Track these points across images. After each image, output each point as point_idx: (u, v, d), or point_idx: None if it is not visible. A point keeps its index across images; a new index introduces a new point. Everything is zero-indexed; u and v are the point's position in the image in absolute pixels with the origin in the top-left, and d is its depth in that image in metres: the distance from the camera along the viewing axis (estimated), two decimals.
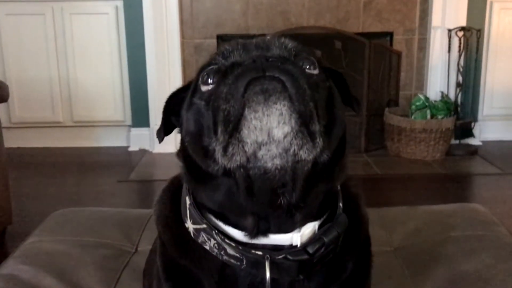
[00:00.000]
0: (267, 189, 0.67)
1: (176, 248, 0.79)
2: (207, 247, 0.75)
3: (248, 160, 0.64)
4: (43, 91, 4.06)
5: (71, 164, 3.86)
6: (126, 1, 3.89)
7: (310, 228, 0.74)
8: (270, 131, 0.62)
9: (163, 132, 0.80)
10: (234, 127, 0.63)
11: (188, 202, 0.78)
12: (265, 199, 0.68)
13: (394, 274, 1.20)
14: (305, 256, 0.72)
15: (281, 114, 0.62)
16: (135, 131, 4.11)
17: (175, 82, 3.90)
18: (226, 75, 0.66)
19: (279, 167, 0.64)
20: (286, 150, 0.63)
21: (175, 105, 0.80)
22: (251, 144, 0.63)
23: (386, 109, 3.93)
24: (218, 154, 0.65)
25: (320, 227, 0.75)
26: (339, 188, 0.80)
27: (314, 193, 0.71)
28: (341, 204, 0.79)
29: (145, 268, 1.08)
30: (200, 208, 0.76)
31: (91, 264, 1.22)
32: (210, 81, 0.70)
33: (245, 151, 0.63)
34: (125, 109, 4.12)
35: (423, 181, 3.46)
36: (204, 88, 0.71)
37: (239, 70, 0.65)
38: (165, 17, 3.84)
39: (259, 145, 0.63)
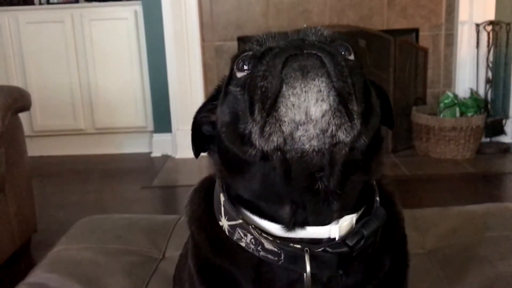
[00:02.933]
0: (304, 173, 0.67)
1: (211, 247, 0.80)
2: (243, 244, 0.75)
3: (285, 141, 0.63)
4: (64, 99, 4.12)
5: (94, 172, 3.91)
6: (145, 5, 3.93)
7: (348, 221, 0.73)
8: (308, 109, 0.62)
9: (195, 148, 0.82)
10: (271, 104, 0.63)
11: (222, 198, 0.78)
12: (303, 184, 0.68)
13: (428, 277, 1.19)
14: (345, 249, 0.72)
15: (320, 90, 0.62)
16: (157, 136, 4.15)
17: (196, 86, 3.92)
18: (263, 57, 0.67)
19: (316, 149, 0.64)
20: (324, 131, 0.63)
21: (203, 118, 0.81)
22: (288, 123, 0.63)
23: (414, 107, 3.89)
24: (255, 135, 0.65)
25: (357, 221, 0.75)
26: (374, 183, 0.80)
27: (352, 181, 0.70)
28: (378, 198, 0.78)
29: (175, 274, 1.09)
30: (235, 204, 0.76)
31: (119, 272, 1.23)
32: (245, 67, 0.70)
33: (283, 131, 0.63)
34: (147, 114, 4.16)
35: (454, 181, 3.42)
36: (239, 74, 0.71)
37: (277, 49, 0.66)
38: (184, 20, 3.86)
39: (297, 125, 0.63)
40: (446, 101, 3.77)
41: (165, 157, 4.08)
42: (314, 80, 0.62)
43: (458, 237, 1.33)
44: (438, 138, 3.70)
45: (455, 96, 3.79)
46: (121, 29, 4.02)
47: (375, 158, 0.74)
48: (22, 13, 4.04)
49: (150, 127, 4.18)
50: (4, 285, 2.15)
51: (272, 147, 0.64)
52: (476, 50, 3.88)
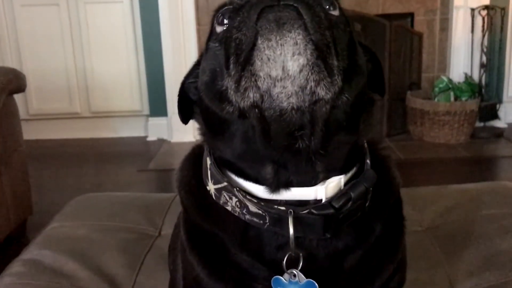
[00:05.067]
0: (284, 132, 0.64)
1: (199, 212, 0.78)
2: (229, 208, 0.73)
3: (262, 98, 0.60)
4: (60, 82, 4.08)
5: (90, 155, 3.88)
6: None
7: (335, 182, 0.71)
8: (285, 63, 0.59)
9: (181, 114, 0.80)
10: (246, 58, 0.60)
11: (208, 162, 0.76)
12: (283, 142, 0.65)
13: (426, 253, 1.17)
14: (331, 210, 0.69)
15: (296, 43, 0.59)
16: (153, 120, 4.11)
17: None
18: (240, 9, 0.63)
19: (295, 106, 0.61)
20: (303, 88, 0.59)
21: (191, 83, 0.79)
22: (264, 78, 0.59)
23: (408, 92, 3.87)
24: (231, 90, 0.62)
25: (346, 184, 0.72)
26: (366, 146, 0.77)
27: (336, 141, 0.68)
28: (368, 161, 0.76)
29: (170, 244, 1.07)
30: (221, 167, 0.75)
31: (114, 248, 1.21)
32: (225, 21, 0.67)
33: (258, 87, 0.60)
34: (142, 98, 4.12)
35: (448, 165, 3.41)
36: (219, 29, 0.68)
37: (254, 1, 0.62)
38: (180, 3, 3.82)
39: (274, 81, 0.59)
40: (440, 85, 3.75)
41: (161, 141, 4.05)
42: (290, 32, 0.59)
43: (455, 214, 1.32)
44: (432, 122, 3.69)
45: (450, 80, 3.77)
46: (116, 13, 3.96)
47: (363, 119, 0.71)
48: None
49: (146, 111, 4.14)
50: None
51: (248, 104, 0.61)
52: (471, 34, 3.86)
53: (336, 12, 0.68)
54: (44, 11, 3.97)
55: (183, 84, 0.80)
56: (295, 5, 0.60)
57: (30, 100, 4.06)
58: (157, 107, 4.06)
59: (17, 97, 2.40)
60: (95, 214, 1.37)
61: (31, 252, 1.20)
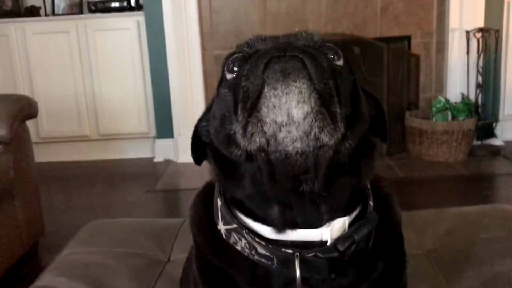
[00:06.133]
0: (289, 175, 0.65)
1: (210, 249, 0.79)
2: (239, 247, 0.74)
3: (268, 142, 0.62)
4: (70, 107, 4.11)
5: (99, 176, 3.90)
6: (148, 16, 3.92)
7: (339, 224, 0.72)
8: (290, 110, 0.60)
9: (195, 156, 0.81)
10: (253, 105, 0.62)
11: (219, 203, 0.77)
12: (288, 185, 0.66)
13: (427, 277, 1.18)
14: (335, 254, 0.70)
15: (301, 92, 0.60)
16: (159, 142, 4.13)
17: (197, 93, 3.92)
18: (249, 59, 0.66)
19: (300, 151, 0.62)
20: (307, 133, 0.61)
21: (203, 127, 0.80)
22: (270, 124, 0.61)
23: (407, 112, 3.89)
24: (239, 135, 0.64)
25: (350, 225, 0.73)
26: (369, 187, 0.78)
27: (339, 184, 0.69)
28: (371, 203, 0.77)
29: (181, 276, 1.08)
30: (231, 208, 0.76)
31: (126, 274, 1.21)
32: (235, 68, 0.69)
33: (265, 132, 0.61)
34: (149, 121, 4.14)
35: (447, 183, 3.41)
36: (229, 76, 0.70)
37: (262, 51, 0.65)
38: (185, 30, 3.86)
39: (279, 126, 0.61)
40: (438, 105, 3.77)
41: (167, 162, 4.06)
42: (295, 81, 0.60)
43: (454, 237, 1.32)
44: (431, 141, 3.70)
45: (447, 100, 3.79)
46: (124, 39, 4.01)
47: (365, 162, 0.73)
48: (28, 24, 4.02)
49: (153, 133, 4.16)
50: (13, 287, 2.14)
51: (255, 147, 0.63)
52: (466, 56, 3.88)
53: (340, 62, 0.70)
54: (55, 39, 4.02)
55: (196, 127, 0.81)
56: (300, 56, 0.62)
57: (41, 124, 4.08)
58: (164, 129, 4.09)
59: (29, 121, 2.42)
60: (107, 240, 1.38)
61: (47, 279, 1.20)
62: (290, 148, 0.62)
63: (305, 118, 0.61)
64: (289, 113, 0.60)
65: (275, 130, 0.61)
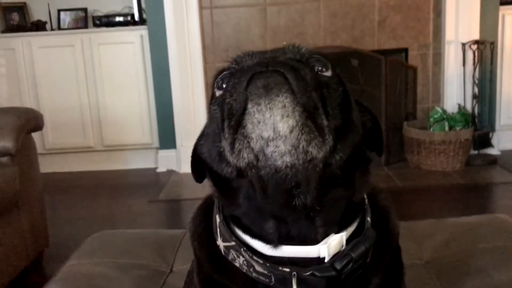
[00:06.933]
0: (280, 189, 0.64)
1: (211, 264, 0.78)
2: (237, 264, 0.73)
3: (257, 158, 0.61)
4: (74, 118, 4.11)
5: (103, 187, 3.89)
6: (151, 29, 3.94)
7: (336, 240, 0.70)
8: (275, 125, 0.59)
9: (195, 175, 0.80)
10: (238, 121, 0.61)
11: (218, 220, 0.76)
12: (280, 199, 0.65)
13: (426, 287, 1.17)
14: (333, 273, 0.69)
15: (284, 106, 0.59)
16: (162, 153, 4.13)
17: (199, 104, 3.92)
18: (234, 75, 0.65)
19: (289, 165, 0.61)
20: (295, 147, 0.60)
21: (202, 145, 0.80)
22: (256, 139, 0.60)
23: (405, 122, 3.89)
24: (227, 152, 0.63)
25: (348, 241, 0.72)
26: (367, 202, 0.77)
27: (332, 197, 0.68)
28: (369, 219, 0.75)
29: None
30: (229, 224, 0.75)
31: (129, 286, 1.21)
32: (224, 85, 0.68)
33: (252, 148, 0.60)
34: (152, 132, 4.14)
35: (444, 192, 3.40)
36: (218, 93, 0.69)
37: (245, 68, 0.64)
38: (187, 44, 3.87)
39: (266, 141, 0.60)
40: (435, 116, 3.77)
41: (170, 172, 4.06)
42: (278, 96, 0.59)
43: (453, 247, 1.31)
44: (428, 151, 3.69)
45: (444, 111, 3.79)
46: (128, 52, 4.02)
47: (359, 175, 0.71)
48: (34, 38, 4.04)
49: (156, 143, 4.16)
50: None
51: (244, 164, 0.62)
52: (462, 67, 3.88)
53: (328, 73, 0.68)
54: (60, 52, 4.03)
55: (196, 146, 0.80)
56: (281, 70, 0.61)
57: (46, 135, 4.08)
58: (166, 140, 4.09)
59: (34, 133, 2.42)
60: (110, 251, 1.37)
61: None
62: (279, 162, 0.61)
63: (291, 131, 0.59)
64: (274, 128, 0.59)
65: (262, 145, 0.60)
